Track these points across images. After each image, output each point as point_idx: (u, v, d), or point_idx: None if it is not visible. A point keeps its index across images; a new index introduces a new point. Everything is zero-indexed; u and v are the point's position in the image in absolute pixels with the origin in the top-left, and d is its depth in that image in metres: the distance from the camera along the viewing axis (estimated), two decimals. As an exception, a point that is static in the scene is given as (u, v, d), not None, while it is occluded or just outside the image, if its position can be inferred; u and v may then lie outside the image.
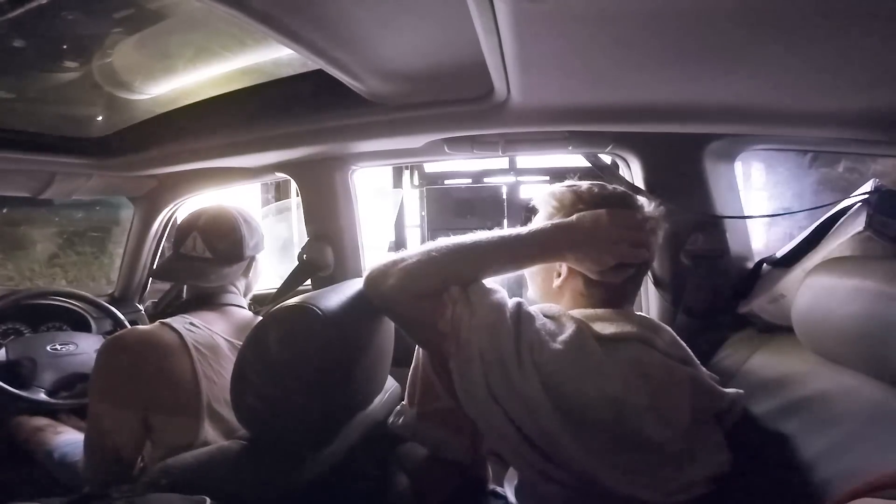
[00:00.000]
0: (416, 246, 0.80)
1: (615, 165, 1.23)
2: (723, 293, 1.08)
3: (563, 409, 0.69)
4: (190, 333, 0.97)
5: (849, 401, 0.70)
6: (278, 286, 1.38)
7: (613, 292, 0.83)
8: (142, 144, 1.33)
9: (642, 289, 1.19)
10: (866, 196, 0.86)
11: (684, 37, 0.62)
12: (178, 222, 1.17)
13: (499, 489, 0.89)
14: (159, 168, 1.43)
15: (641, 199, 0.87)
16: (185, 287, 1.15)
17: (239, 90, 1.17)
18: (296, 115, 1.13)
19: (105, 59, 1.06)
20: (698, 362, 0.81)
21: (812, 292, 0.76)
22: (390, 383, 1.11)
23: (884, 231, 0.81)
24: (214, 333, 1.01)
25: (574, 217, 0.80)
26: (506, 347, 0.71)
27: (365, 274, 0.83)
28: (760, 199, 1.55)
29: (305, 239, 1.40)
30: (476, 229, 0.80)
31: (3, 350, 1.36)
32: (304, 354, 0.80)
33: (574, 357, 0.71)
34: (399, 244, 2.73)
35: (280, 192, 3.00)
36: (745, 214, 1.16)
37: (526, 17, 0.57)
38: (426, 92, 0.97)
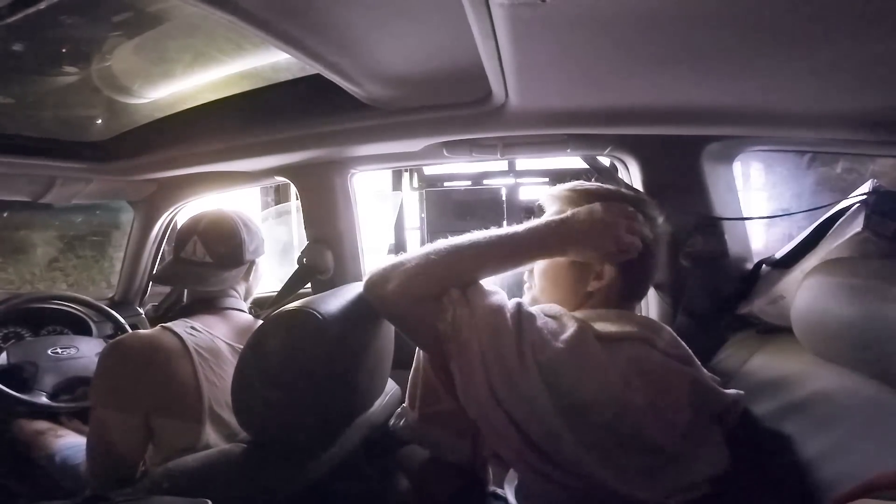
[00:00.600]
0: (415, 249, 0.80)
1: (614, 168, 1.23)
2: (722, 294, 1.08)
3: (565, 408, 0.69)
4: (191, 337, 0.97)
5: (848, 401, 0.70)
6: (278, 290, 1.39)
7: (629, 293, 0.85)
8: (141, 148, 1.33)
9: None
10: (864, 197, 0.86)
11: (681, 40, 0.62)
12: (179, 226, 1.17)
13: (499, 491, 0.89)
14: (159, 172, 1.43)
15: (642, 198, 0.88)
16: (186, 291, 1.16)
17: (238, 94, 1.18)
18: (295, 120, 1.13)
19: (104, 63, 1.06)
20: (699, 363, 0.82)
21: (811, 293, 0.77)
22: (391, 386, 1.11)
23: (882, 231, 0.81)
24: (215, 337, 1.02)
25: (569, 212, 0.80)
26: (507, 347, 0.71)
27: (364, 278, 0.83)
28: (759, 200, 1.55)
29: (305, 242, 1.40)
30: (475, 230, 0.80)
31: (4, 354, 1.35)
32: (305, 358, 0.80)
33: (576, 356, 0.71)
34: (399, 247, 2.73)
35: (280, 195, 3.00)
36: (744, 216, 1.16)
37: (523, 21, 0.57)
38: (424, 96, 0.98)
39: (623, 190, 0.89)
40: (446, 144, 1.18)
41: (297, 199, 1.41)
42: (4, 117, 1.23)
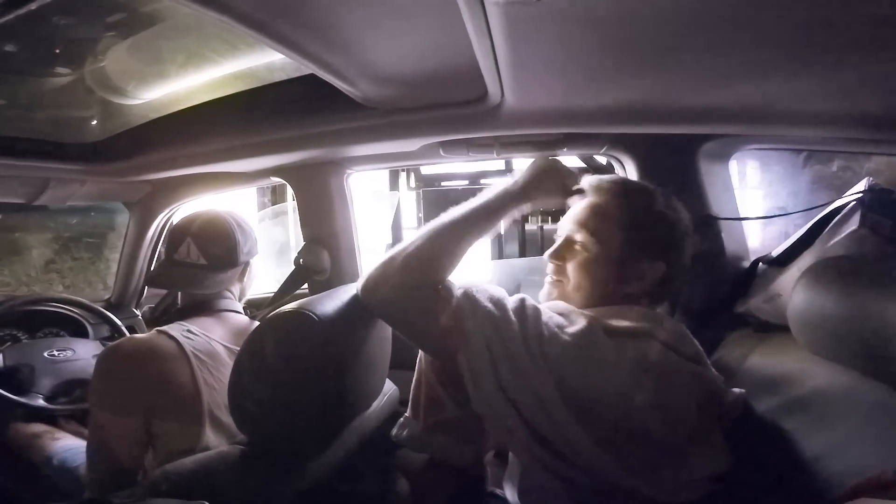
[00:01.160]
0: (397, 245, 0.82)
1: (610, 167, 1.23)
2: (719, 293, 1.08)
3: (572, 400, 0.69)
4: (188, 341, 0.96)
5: (845, 399, 0.70)
6: (275, 290, 1.38)
7: (664, 294, 0.88)
8: (136, 150, 1.32)
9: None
10: (860, 195, 0.86)
11: (676, 38, 0.62)
12: (170, 227, 1.16)
13: (497, 491, 0.89)
14: (154, 173, 1.42)
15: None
16: (180, 294, 1.14)
17: (232, 95, 1.17)
18: (290, 120, 1.13)
19: (98, 63, 1.05)
20: (707, 360, 0.81)
21: (807, 291, 0.77)
22: (388, 386, 1.11)
23: (878, 229, 0.82)
24: (212, 340, 1.01)
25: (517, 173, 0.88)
26: (512, 340, 0.71)
27: (360, 285, 0.83)
28: (755, 198, 1.55)
29: (302, 243, 1.40)
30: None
31: (1, 357, 1.35)
32: (301, 360, 0.80)
33: (584, 348, 0.71)
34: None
35: (276, 195, 3.00)
36: (741, 214, 1.16)
37: (518, 19, 0.57)
38: (420, 96, 0.97)
39: (652, 186, 0.90)
40: (443, 144, 1.18)
41: (294, 199, 1.41)
42: (-3, 119, 1.23)
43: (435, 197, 2.92)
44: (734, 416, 0.79)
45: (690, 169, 1.10)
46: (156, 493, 0.77)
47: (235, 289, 1.13)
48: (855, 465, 0.61)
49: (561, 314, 0.77)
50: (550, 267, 0.88)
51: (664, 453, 0.70)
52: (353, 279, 1.37)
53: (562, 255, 0.86)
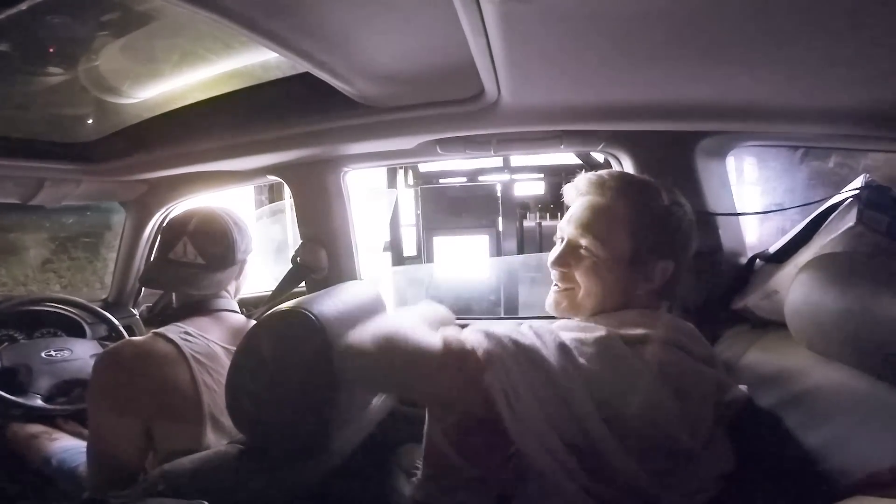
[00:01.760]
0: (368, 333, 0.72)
1: (607, 164, 1.23)
2: (717, 290, 1.08)
3: (609, 417, 0.66)
4: (187, 344, 0.96)
5: (842, 396, 0.70)
6: (272, 289, 1.38)
7: (671, 292, 0.84)
8: (131, 149, 1.32)
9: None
10: (857, 191, 0.86)
11: (673, 35, 0.62)
12: (164, 225, 1.15)
13: None
14: (149, 172, 1.42)
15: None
16: (175, 294, 1.12)
17: (228, 94, 1.16)
18: (286, 118, 1.12)
19: (92, 63, 1.05)
20: (718, 360, 0.80)
21: (804, 288, 0.77)
22: (386, 385, 1.11)
23: (875, 225, 0.82)
24: (210, 341, 1.00)
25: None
26: (550, 371, 0.67)
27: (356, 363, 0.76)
28: (753, 195, 1.56)
29: (299, 241, 1.40)
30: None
31: (-2, 357, 1.35)
32: (299, 359, 0.80)
33: (608, 361, 0.69)
34: (394, 244, 2.73)
35: (274, 193, 3.00)
36: (738, 211, 1.16)
37: (513, 17, 0.56)
38: (417, 93, 0.97)
39: (654, 181, 0.85)
40: (440, 142, 1.18)
41: (291, 197, 1.40)
42: (-9, 118, 1.22)
43: (433, 194, 2.93)
44: (733, 413, 0.79)
45: (687, 165, 1.10)
46: (154, 492, 0.77)
47: (231, 288, 1.12)
48: (852, 461, 0.61)
49: (575, 328, 0.74)
50: (555, 274, 0.84)
51: (684, 457, 0.69)
52: (351, 277, 1.37)
53: (566, 261, 0.81)
